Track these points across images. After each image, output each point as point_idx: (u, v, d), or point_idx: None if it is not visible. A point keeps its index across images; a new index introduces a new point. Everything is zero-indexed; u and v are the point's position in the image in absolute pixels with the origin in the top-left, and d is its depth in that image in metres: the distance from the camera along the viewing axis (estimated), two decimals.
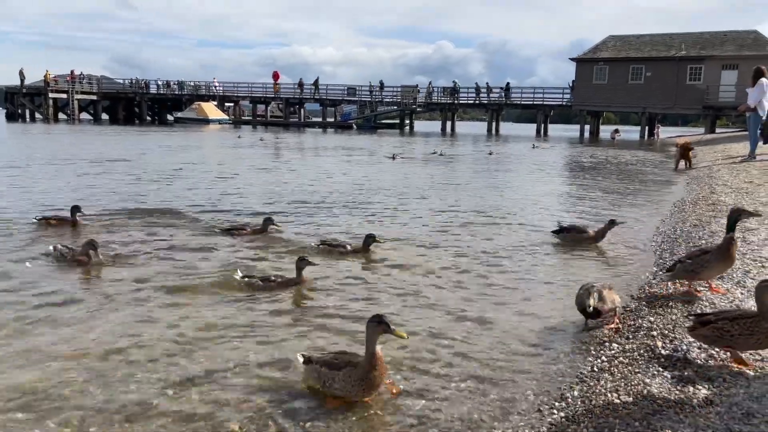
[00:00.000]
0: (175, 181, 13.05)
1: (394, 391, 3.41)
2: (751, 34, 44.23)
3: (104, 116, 64.27)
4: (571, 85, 50.61)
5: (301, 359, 3.51)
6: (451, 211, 9.84)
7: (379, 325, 3.10)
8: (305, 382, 3.50)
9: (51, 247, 6.23)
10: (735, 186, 10.74)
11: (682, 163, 17.45)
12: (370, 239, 6.68)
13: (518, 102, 54.94)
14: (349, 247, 6.71)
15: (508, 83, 54.33)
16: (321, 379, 3.32)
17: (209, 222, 8.49)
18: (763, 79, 14.16)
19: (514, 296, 5.28)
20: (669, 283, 5.00)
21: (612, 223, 7.18)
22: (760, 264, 5.17)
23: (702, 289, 4.68)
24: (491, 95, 54.60)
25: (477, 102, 56.05)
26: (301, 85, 59.03)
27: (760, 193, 9.53)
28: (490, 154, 23.48)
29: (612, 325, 4.26)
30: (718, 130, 44.12)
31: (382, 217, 9.23)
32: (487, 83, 55.19)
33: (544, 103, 52.53)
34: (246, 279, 5.43)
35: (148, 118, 64.51)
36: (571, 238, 7.30)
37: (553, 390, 3.38)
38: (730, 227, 4.42)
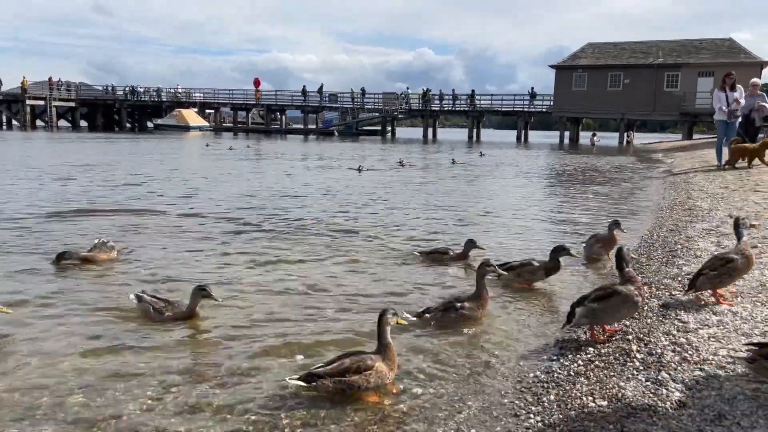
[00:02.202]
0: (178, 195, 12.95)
1: (395, 391, 3.47)
2: (726, 42, 45.09)
3: (83, 123, 63.51)
4: (530, 91, 51.42)
5: (297, 382, 3.38)
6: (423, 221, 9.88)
7: (393, 317, 3.54)
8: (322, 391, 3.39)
9: (133, 297, 4.83)
10: (711, 191, 10.90)
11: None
12: (471, 244, 6.70)
13: (498, 109, 55.41)
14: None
15: (473, 90, 55.54)
16: (353, 388, 3.34)
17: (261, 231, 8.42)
18: (739, 86, 14.32)
19: (492, 302, 5.29)
20: (647, 288, 5.05)
21: (616, 224, 6.80)
22: None
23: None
24: (457, 102, 55.25)
25: (457, 108, 56.45)
26: (304, 92, 58.75)
27: (734, 198, 9.68)
28: (453, 162, 22.86)
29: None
30: (695, 136, 44.79)
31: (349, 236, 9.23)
32: (453, 90, 56.12)
33: (524, 109, 52.95)
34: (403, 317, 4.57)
35: (128, 125, 63.94)
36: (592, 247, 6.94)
37: (530, 394, 3.39)
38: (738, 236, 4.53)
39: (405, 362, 3.87)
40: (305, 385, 3.36)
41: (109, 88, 64.29)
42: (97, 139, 37.95)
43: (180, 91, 62.96)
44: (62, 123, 63.06)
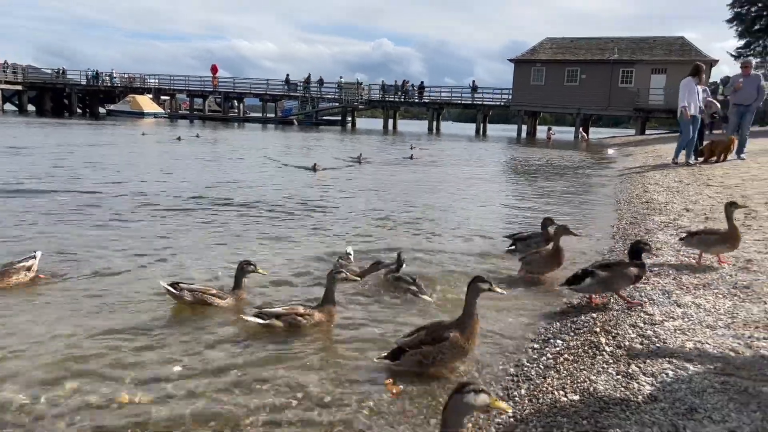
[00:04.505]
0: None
1: (395, 391, 3.39)
2: (678, 40, 46.29)
3: (31, 108, 61.13)
4: (471, 85, 52.01)
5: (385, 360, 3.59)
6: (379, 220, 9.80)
7: (483, 283, 3.47)
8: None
9: (254, 319, 4.31)
10: (666, 185, 11.13)
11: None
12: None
13: (458, 101, 55.66)
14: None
15: (422, 82, 55.80)
16: (428, 359, 3.45)
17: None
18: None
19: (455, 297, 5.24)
20: None
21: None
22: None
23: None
24: (407, 92, 55.54)
25: (417, 100, 56.47)
26: (287, 81, 57.31)
27: (689, 191, 9.89)
28: (411, 158, 21.22)
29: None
30: (647, 131, 45.90)
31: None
32: (404, 81, 56.03)
33: (483, 103, 53.29)
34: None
35: (79, 110, 61.88)
36: None
37: (500, 389, 3.34)
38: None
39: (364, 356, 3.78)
40: (388, 359, 3.59)
41: (60, 72, 62.03)
42: (36, 124, 36.37)
43: (115, 75, 61.01)
44: (8, 107, 60.64)
